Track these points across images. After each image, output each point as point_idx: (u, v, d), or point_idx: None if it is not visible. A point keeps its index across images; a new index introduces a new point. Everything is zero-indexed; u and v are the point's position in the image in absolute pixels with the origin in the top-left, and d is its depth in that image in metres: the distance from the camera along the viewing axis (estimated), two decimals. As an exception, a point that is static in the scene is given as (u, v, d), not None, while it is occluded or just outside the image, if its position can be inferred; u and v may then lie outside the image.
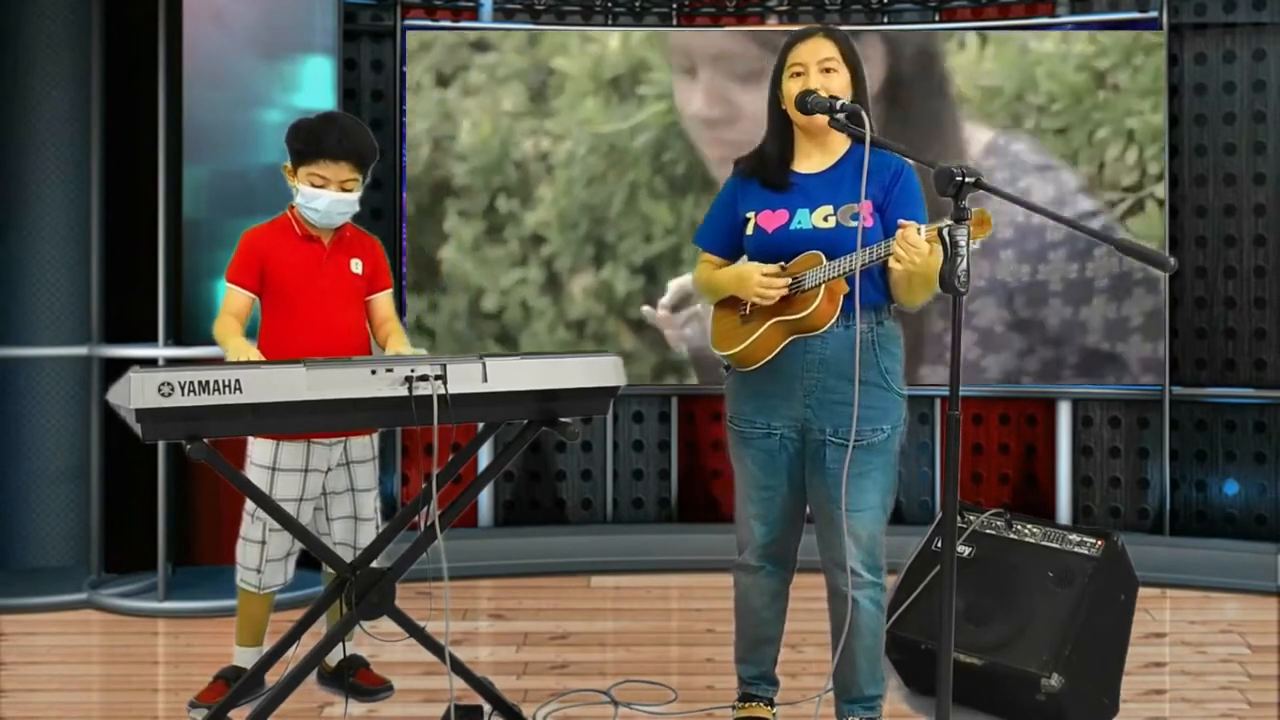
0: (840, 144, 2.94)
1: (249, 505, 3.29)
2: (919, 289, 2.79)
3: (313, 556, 3.20)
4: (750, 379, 2.95)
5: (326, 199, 3.20)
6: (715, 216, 3.07)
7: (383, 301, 3.41)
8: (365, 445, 3.38)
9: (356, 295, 3.34)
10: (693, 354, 4.85)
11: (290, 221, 3.29)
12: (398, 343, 3.29)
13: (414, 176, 4.85)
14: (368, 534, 3.36)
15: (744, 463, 3.00)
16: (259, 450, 3.26)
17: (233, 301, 3.25)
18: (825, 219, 2.86)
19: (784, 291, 2.83)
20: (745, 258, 2.99)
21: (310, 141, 3.19)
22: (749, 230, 2.94)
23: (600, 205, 4.84)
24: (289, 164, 3.25)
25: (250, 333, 3.29)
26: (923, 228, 2.64)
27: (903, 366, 2.93)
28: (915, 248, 2.62)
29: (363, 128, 3.28)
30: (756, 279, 2.84)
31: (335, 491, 3.35)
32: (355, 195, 3.26)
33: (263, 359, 3.04)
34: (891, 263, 2.67)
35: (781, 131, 2.95)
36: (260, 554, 3.29)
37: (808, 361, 2.87)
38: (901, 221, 2.66)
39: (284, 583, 3.36)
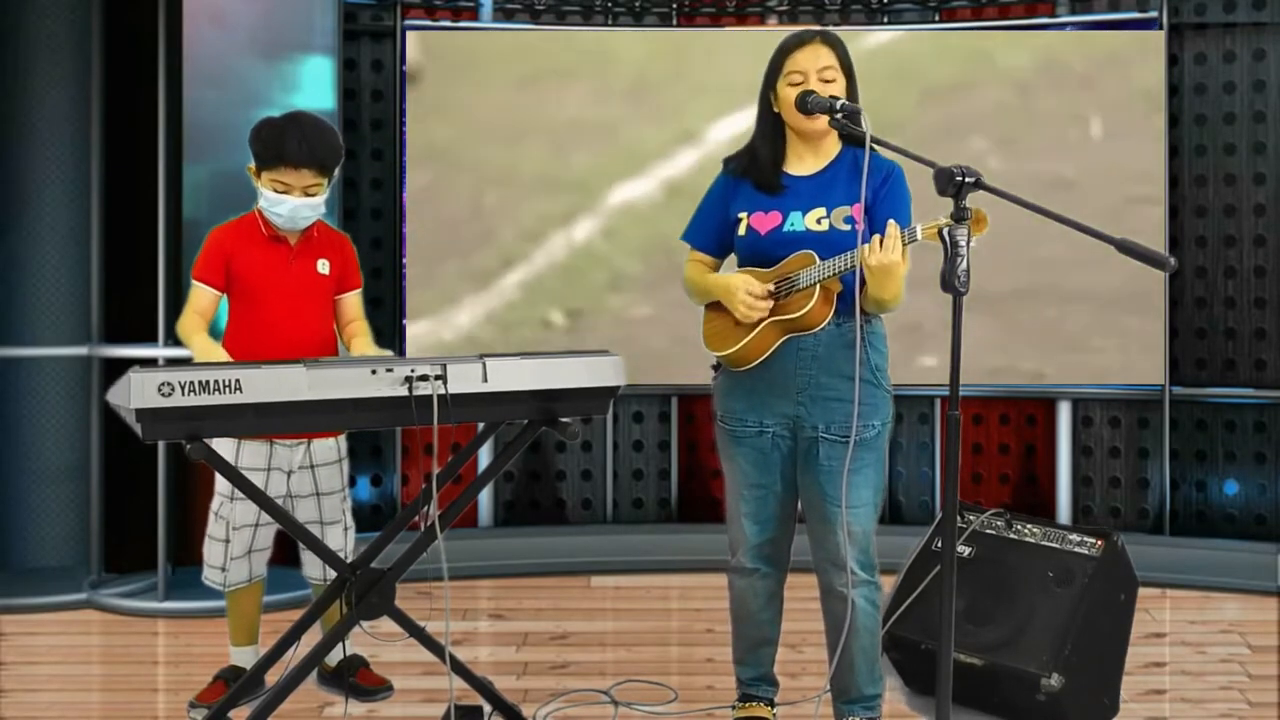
0: (832, 146, 2.94)
1: (214, 504, 3.31)
2: (866, 298, 2.78)
3: (293, 554, 3.19)
4: (741, 377, 2.94)
5: (290, 204, 3.19)
6: (704, 215, 3.06)
7: (351, 301, 3.40)
8: (330, 448, 3.36)
9: (323, 295, 3.33)
10: None
11: (257, 220, 3.27)
12: (362, 344, 3.29)
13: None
14: (335, 537, 3.36)
15: (735, 462, 3.00)
16: (221, 449, 3.24)
17: (198, 299, 3.24)
18: (818, 221, 2.86)
19: (764, 313, 2.84)
20: (734, 256, 3.00)
21: (271, 147, 3.16)
22: (741, 231, 2.94)
23: None
24: (253, 165, 3.23)
25: (220, 329, 3.30)
26: (919, 229, 2.65)
27: (888, 363, 2.95)
28: (873, 252, 2.66)
29: (325, 130, 3.23)
30: (741, 296, 2.85)
31: (300, 495, 3.34)
32: (320, 199, 3.23)
33: (229, 359, 3.04)
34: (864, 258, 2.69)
35: (774, 134, 2.95)
36: (224, 552, 3.30)
37: (800, 359, 2.87)
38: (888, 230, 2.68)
39: (248, 579, 3.35)
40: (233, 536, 3.29)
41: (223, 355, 3.06)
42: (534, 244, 4.94)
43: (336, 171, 3.29)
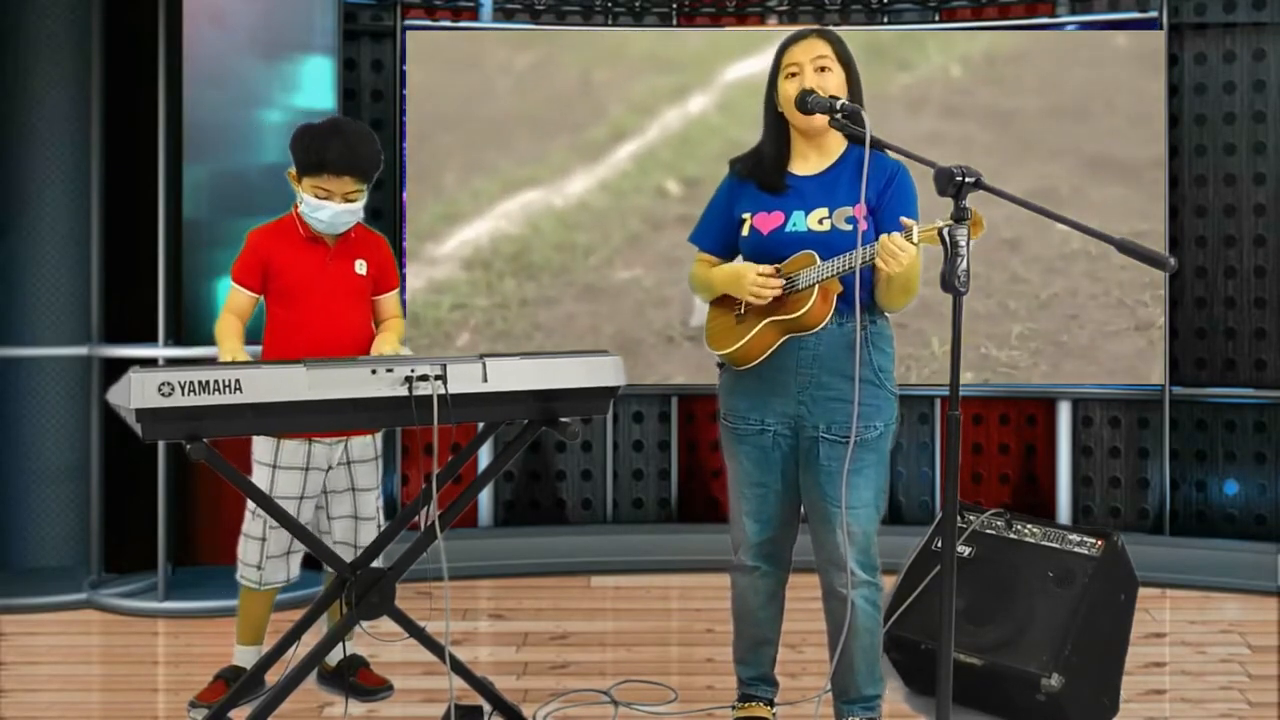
0: (837, 146, 2.94)
1: (251, 502, 3.30)
2: (897, 293, 2.82)
3: (314, 556, 3.20)
4: (744, 376, 2.95)
5: (331, 210, 3.22)
6: (711, 216, 3.07)
7: (388, 301, 3.43)
8: (366, 445, 3.38)
9: (361, 296, 3.35)
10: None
11: (294, 222, 3.30)
12: (382, 343, 3.29)
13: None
14: (369, 533, 3.37)
15: (737, 459, 3.00)
16: (261, 447, 3.28)
17: (235, 301, 3.28)
18: (820, 222, 2.86)
19: (778, 291, 2.84)
20: (740, 258, 3.00)
21: (314, 155, 3.19)
22: (745, 232, 2.94)
23: None
24: (293, 170, 3.25)
25: (255, 331, 3.30)
26: (915, 229, 2.65)
27: (894, 365, 2.95)
28: (894, 257, 2.65)
29: (367, 137, 3.26)
30: (751, 278, 2.85)
31: (336, 490, 3.36)
32: (360, 204, 3.27)
33: (250, 360, 3.05)
34: (878, 263, 2.69)
35: (778, 133, 2.96)
36: (261, 550, 3.30)
37: (801, 358, 2.87)
38: (897, 232, 2.67)
39: (285, 580, 3.36)
40: (269, 535, 3.29)
41: (244, 359, 3.08)
42: (647, 117, 4.98)
43: (375, 177, 3.31)
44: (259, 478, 3.24)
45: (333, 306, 3.28)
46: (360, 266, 3.34)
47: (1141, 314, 4.82)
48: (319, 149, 3.19)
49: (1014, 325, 4.85)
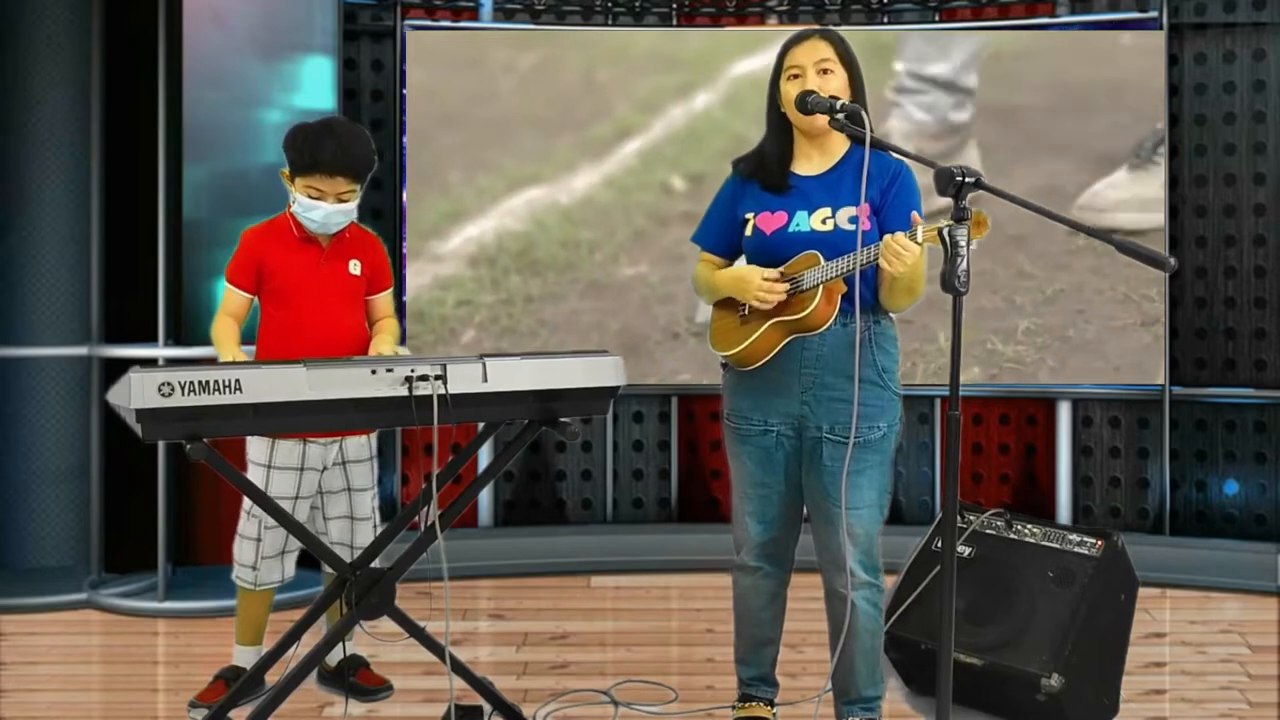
0: (839, 146, 2.94)
1: (246, 502, 3.30)
2: (900, 294, 2.82)
3: (313, 556, 3.20)
4: (748, 376, 2.95)
5: (323, 210, 3.21)
6: (714, 216, 3.07)
7: (382, 301, 3.42)
8: (362, 445, 3.38)
9: (355, 296, 3.35)
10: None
11: (288, 222, 3.29)
12: (380, 343, 3.29)
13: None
14: (364, 533, 3.37)
15: (740, 460, 3.00)
16: (255, 448, 3.27)
17: (230, 301, 3.28)
18: (823, 222, 2.86)
19: (783, 297, 2.84)
20: (743, 258, 3.00)
21: (307, 155, 3.19)
22: (748, 232, 2.94)
23: None
24: (286, 170, 3.25)
25: (249, 331, 3.30)
26: (920, 229, 2.65)
27: (899, 366, 2.94)
28: (898, 257, 2.64)
29: (361, 138, 3.26)
30: (756, 283, 2.85)
31: (331, 491, 3.36)
32: (353, 204, 3.27)
33: (250, 360, 3.05)
34: (882, 263, 2.69)
35: (780, 134, 2.96)
36: (255, 551, 3.30)
37: (805, 358, 2.87)
38: (902, 231, 2.67)
39: (280, 580, 3.36)
40: (264, 535, 3.29)
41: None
42: (651, 114, 4.98)
43: (368, 178, 3.31)
44: (253, 478, 3.23)
45: (327, 307, 3.28)
46: (354, 267, 3.34)
47: (1148, 309, 4.82)
48: (312, 149, 3.18)
49: (1020, 321, 4.85)
